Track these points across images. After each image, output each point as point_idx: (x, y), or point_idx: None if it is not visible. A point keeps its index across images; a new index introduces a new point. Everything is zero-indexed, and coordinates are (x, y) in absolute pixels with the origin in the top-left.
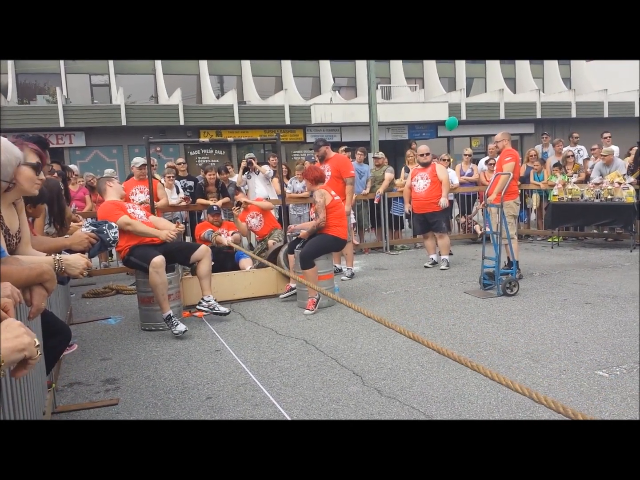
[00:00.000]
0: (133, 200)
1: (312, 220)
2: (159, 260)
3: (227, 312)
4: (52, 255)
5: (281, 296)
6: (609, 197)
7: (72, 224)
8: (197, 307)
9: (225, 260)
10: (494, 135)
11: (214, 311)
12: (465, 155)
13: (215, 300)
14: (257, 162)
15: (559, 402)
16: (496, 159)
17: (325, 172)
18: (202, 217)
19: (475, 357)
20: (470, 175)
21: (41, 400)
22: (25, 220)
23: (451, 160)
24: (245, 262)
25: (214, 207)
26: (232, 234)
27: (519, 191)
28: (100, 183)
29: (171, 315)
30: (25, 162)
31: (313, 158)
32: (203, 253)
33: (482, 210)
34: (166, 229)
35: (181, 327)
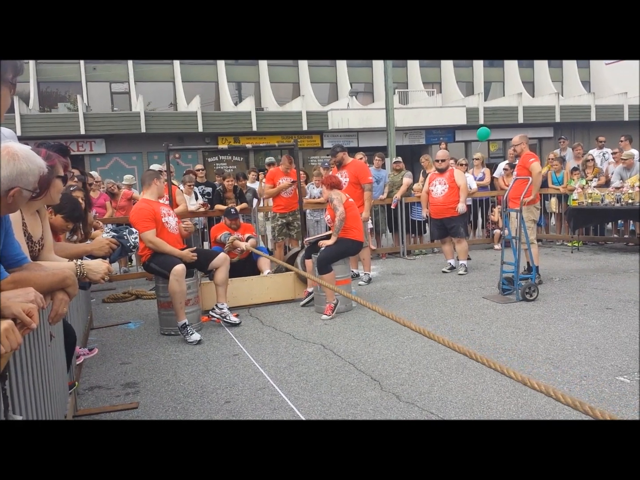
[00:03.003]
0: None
1: (329, 228)
2: (180, 268)
3: (237, 322)
4: (74, 260)
5: (301, 303)
6: (630, 201)
7: (92, 230)
8: (210, 312)
9: (244, 263)
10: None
11: (225, 320)
12: (475, 159)
13: (228, 309)
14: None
15: (577, 399)
16: (515, 163)
17: (342, 178)
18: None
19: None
20: (481, 179)
21: (63, 404)
22: (48, 227)
23: (467, 164)
24: (264, 262)
25: (232, 210)
26: (247, 238)
27: (540, 195)
28: (147, 176)
29: (186, 324)
30: (57, 174)
31: (327, 164)
32: (222, 261)
33: (502, 215)
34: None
35: (196, 336)
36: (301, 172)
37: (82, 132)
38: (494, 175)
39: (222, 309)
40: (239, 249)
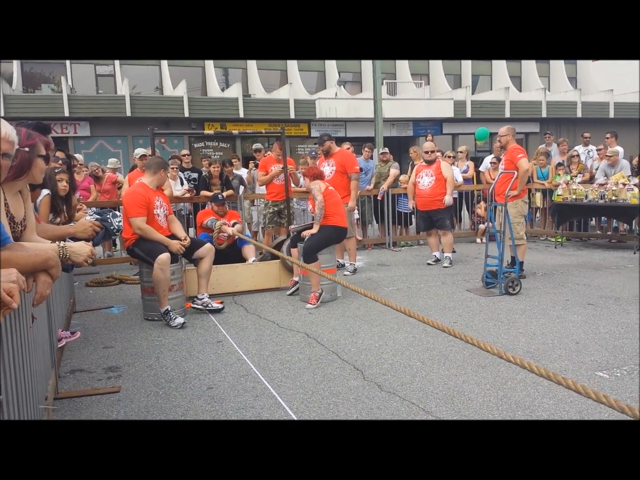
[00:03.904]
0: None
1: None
2: (165, 257)
3: (220, 307)
4: (57, 242)
5: (288, 292)
6: (614, 197)
7: (76, 212)
8: (192, 304)
9: (229, 250)
10: None
11: (208, 308)
12: (459, 152)
13: (208, 297)
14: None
15: (550, 371)
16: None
17: (329, 167)
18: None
19: (476, 355)
20: (465, 172)
21: (44, 386)
22: (30, 208)
23: (454, 157)
24: (249, 249)
25: (219, 196)
26: (233, 224)
27: (527, 189)
28: (155, 164)
29: (169, 309)
30: (39, 154)
31: (314, 153)
32: (207, 251)
33: (487, 209)
34: (177, 233)
35: (179, 320)
36: (292, 160)
37: (66, 114)
38: (480, 169)
39: (203, 298)
40: (225, 234)
